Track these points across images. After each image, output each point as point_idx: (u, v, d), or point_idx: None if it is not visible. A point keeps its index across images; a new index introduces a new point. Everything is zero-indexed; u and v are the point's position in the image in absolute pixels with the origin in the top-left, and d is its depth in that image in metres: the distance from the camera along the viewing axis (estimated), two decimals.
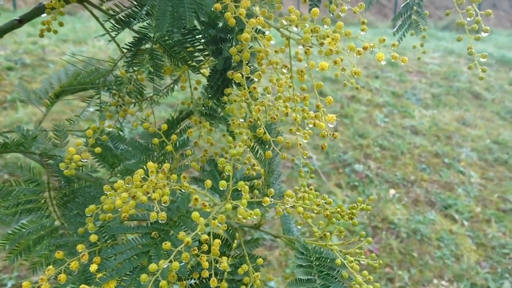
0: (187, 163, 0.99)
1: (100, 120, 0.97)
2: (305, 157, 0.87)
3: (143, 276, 0.66)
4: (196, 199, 0.75)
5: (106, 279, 0.76)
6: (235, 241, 0.95)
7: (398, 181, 4.98)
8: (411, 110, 6.41)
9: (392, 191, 4.84)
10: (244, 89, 0.78)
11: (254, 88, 0.77)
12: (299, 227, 0.98)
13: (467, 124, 6.30)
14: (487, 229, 4.46)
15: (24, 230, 1.08)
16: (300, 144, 0.91)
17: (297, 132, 0.86)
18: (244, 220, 0.84)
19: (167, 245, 0.68)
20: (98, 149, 0.99)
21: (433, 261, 4.00)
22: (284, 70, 0.82)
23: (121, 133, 1.16)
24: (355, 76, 0.73)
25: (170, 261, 0.66)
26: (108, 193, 0.76)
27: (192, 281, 0.93)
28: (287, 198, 0.82)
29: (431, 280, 3.81)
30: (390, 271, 3.92)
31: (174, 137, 0.96)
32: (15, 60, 5.86)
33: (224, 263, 0.77)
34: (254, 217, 0.70)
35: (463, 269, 3.92)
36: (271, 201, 0.78)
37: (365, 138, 5.61)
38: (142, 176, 0.77)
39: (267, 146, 0.91)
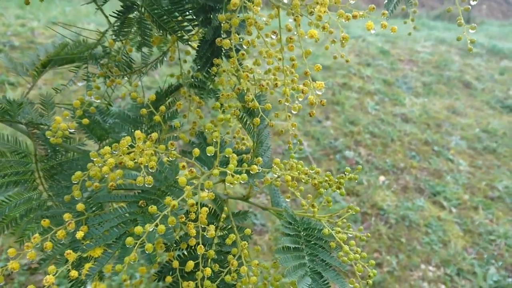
0: (175, 135, 0.98)
1: (87, 90, 0.95)
2: (293, 128, 0.87)
3: (129, 239, 0.65)
4: (183, 166, 0.74)
5: (92, 246, 0.75)
6: (223, 213, 0.96)
7: (388, 168, 5.02)
8: (402, 98, 6.44)
9: (382, 178, 4.88)
10: (233, 56, 0.77)
11: (243, 54, 0.77)
12: (287, 200, 0.98)
13: (457, 113, 6.35)
14: (474, 216, 4.53)
15: (11, 202, 1.07)
16: (289, 116, 0.91)
17: (285, 103, 0.86)
18: (232, 192, 0.84)
19: (153, 208, 0.68)
20: (85, 120, 0.98)
21: (421, 246, 4.06)
22: (273, 36, 0.81)
23: (109, 107, 1.15)
24: (344, 41, 0.72)
25: (156, 225, 0.66)
26: (94, 159, 0.76)
27: (181, 252, 0.93)
28: (275, 167, 0.82)
29: (418, 265, 3.86)
30: (378, 256, 3.97)
31: (162, 108, 0.95)
32: (3, 42, 5.76)
33: (212, 231, 0.77)
34: (241, 181, 0.69)
35: (450, 255, 3.98)
36: (258, 170, 0.78)
37: (356, 125, 5.64)
38: (129, 144, 0.77)
39: (256, 118, 0.90)
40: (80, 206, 0.84)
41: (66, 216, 0.84)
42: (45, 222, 0.82)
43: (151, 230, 0.65)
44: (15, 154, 1.03)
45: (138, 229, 0.65)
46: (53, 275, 0.71)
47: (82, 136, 1.10)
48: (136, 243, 0.65)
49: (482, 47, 8.98)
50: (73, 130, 0.92)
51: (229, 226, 0.94)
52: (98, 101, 1.01)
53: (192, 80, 1.03)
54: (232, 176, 0.70)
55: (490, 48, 8.97)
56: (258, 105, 0.80)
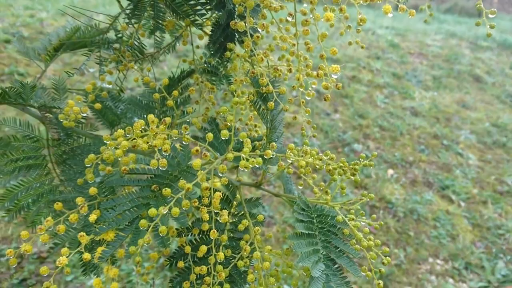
0: (188, 120, 0.97)
1: (100, 74, 0.95)
2: (307, 114, 0.86)
3: (142, 222, 0.65)
4: (197, 150, 0.74)
5: (105, 229, 0.75)
6: (235, 200, 0.95)
7: (397, 161, 4.99)
8: (412, 92, 6.38)
9: (390, 171, 4.85)
10: (247, 40, 0.76)
11: (258, 37, 0.75)
12: (300, 187, 0.97)
13: (467, 107, 6.28)
14: (483, 210, 4.49)
15: (23, 187, 1.07)
16: (303, 102, 0.90)
17: (299, 88, 0.85)
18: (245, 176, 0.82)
19: (167, 191, 0.67)
20: (98, 105, 0.97)
21: (429, 240, 4.04)
22: (289, 18, 0.80)
23: (121, 93, 1.15)
24: (361, 23, 0.71)
25: (170, 208, 0.65)
26: (108, 142, 0.75)
27: (192, 238, 0.93)
28: (289, 152, 0.81)
29: (426, 258, 3.85)
30: (385, 248, 3.96)
31: (175, 92, 0.95)
32: (12, 33, 5.78)
33: (225, 216, 0.77)
34: (256, 165, 0.68)
35: (459, 249, 3.96)
36: (273, 155, 0.77)
37: (364, 118, 5.60)
38: (143, 127, 0.76)
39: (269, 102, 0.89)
40: (92, 190, 0.83)
41: (79, 200, 0.84)
42: (58, 206, 0.82)
43: (164, 212, 0.65)
44: (27, 138, 1.03)
45: (152, 211, 0.64)
46: (66, 257, 0.71)
47: (94, 122, 1.09)
48: (150, 225, 0.65)
49: (493, 41, 8.85)
50: (86, 114, 0.91)
51: (241, 213, 0.93)
52: (110, 86, 1.00)
53: (205, 65, 1.02)
54: (247, 160, 0.70)
55: (501, 42, 8.84)
56: (273, 89, 0.78)
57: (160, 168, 0.72)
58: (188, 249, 0.86)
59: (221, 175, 0.71)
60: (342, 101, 5.87)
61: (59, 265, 0.69)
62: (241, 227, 0.85)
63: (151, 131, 0.73)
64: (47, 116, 0.92)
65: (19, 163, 1.04)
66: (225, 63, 1.00)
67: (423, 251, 3.91)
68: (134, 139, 0.73)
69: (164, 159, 0.71)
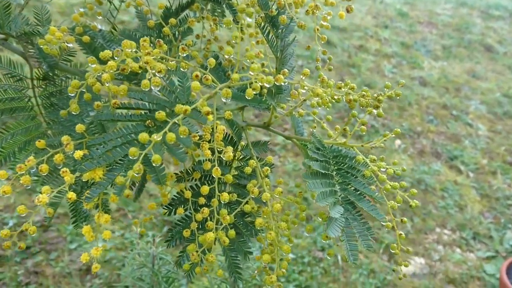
0: (187, 54, 0.86)
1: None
2: (322, 42, 0.75)
3: (132, 150, 0.55)
4: (196, 75, 0.63)
5: (92, 166, 0.65)
6: (242, 142, 0.85)
7: (405, 131, 4.87)
8: (420, 61, 6.20)
9: (398, 142, 4.74)
10: None
11: None
12: (313, 130, 0.87)
13: (477, 77, 6.10)
14: (492, 180, 4.40)
15: (7, 133, 0.98)
16: (317, 29, 0.79)
17: (315, 11, 0.73)
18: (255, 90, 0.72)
19: (161, 114, 0.57)
20: (86, 38, 0.86)
21: (437, 210, 3.96)
22: None
23: (113, 31, 1.03)
24: None
25: (165, 133, 0.55)
26: (93, 66, 0.64)
27: (193, 183, 0.83)
28: (302, 78, 0.71)
29: (433, 228, 3.78)
30: (393, 219, 3.89)
31: (173, 20, 0.83)
32: None
33: (229, 153, 0.67)
34: (266, 85, 0.58)
35: (466, 219, 3.88)
36: (285, 82, 0.66)
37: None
38: (134, 50, 0.65)
39: (279, 31, 0.78)
40: (79, 127, 0.73)
41: (65, 139, 0.74)
42: (40, 143, 0.72)
43: (158, 139, 0.55)
44: (8, 77, 0.93)
45: (142, 136, 0.54)
46: (47, 195, 0.62)
47: (83, 61, 0.98)
48: (141, 153, 0.55)
49: (505, 10, 8.56)
50: (71, 44, 0.80)
51: (248, 157, 0.83)
52: (100, 17, 0.89)
53: None
54: (255, 79, 0.59)
55: None
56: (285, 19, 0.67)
57: (153, 88, 0.61)
58: (188, 193, 0.76)
59: (224, 100, 0.61)
60: (349, 70, 5.71)
61: (38, 203, 0.60)
62: (248, 169, 0.75)
63: (142, 49, 0.62)
64: (27, 47, 0.81)
65: (1, 105, 0.94)
66: None
67: (430, 221, 3.84)
68: (124, 60, 0.63)
69: (157, 78, 0.60)
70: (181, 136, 0.56)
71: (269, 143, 0.85)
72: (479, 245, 3.66)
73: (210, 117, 0.60)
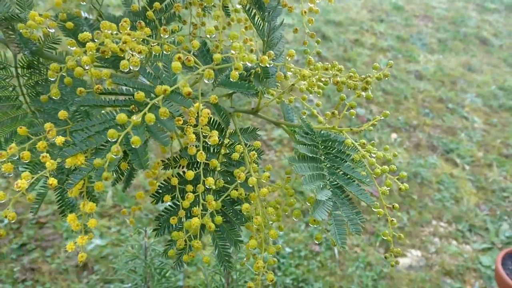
0: (173, 38, 0.85)
1: None
2: (310, 24, 0.73)
3: (111, 131, 0.53)
4: (179, 57, 0.61)
5: (73, 151, 0.64)
6: (229, 128, 0.83)
7: (401, 125, 4.87)
8: (416, 55, 6.19)
9: (394, 135, 4.74)
10: None
11: None
12: (303, 116, 0.86)
13: (473, 70, 6.10)
14: (488, 173, 4.40)
15: None
16: (305, 12, 0.77)
17: None
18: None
19: (139, 94, 0.55)
20: (69, 24, 0.84)
21: (433, 203, 3.96)
22: None
23: (100, 19, 1.01)
24: None
25: (145, 114, 0.53)
26: (73, 49, 0.63)
27: (181, 171, 0.82)
28: (288, 59, 0.69)
29: (429, 221, 3.78)
30: (389, 212, 3.89)
31: (157, 4, 0.81)
32: None
33: (214, 137, 0.65)
34: (248, 64, 0.56)
35: (462, 211, 3.89)
36: (270, 64, 0.65)
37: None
38: (115, 32, 0.63)
39: (266, 13, 0.76)
40: (62, 114, 0.72)
41: (47, 126, 0.72)
42: (22, 130, 0.71)
43: (137, 120, 0.53)
44: None
45: (121, 116, 0.53)
46: (27, 181, 0.60)
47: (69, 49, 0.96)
48: (120, 136, 0.53)
49: (500, 3, 8.56)
50: (53, 30, 0.79)
51: (236, 143, 0.82)
52: (84, 3, 0.87)
53: None
54: (239, 55, 0.57)
55: (509, 4, 8.55)
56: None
57: (131, 68, 0.60)
58: (174, 180, 0.75)
59: (207, 81, 0.59)
60: (345, 64, 5.69)
61: (17, 189, 0.58)
62: (235, 155, 0.74)
63: (122, 29, 0.60)
64: (8, 32, 0.79)
65: None
66: None
67: (427, 214, 3.84)
68: (103, 43, 0.61)
69: (136, 57, 0.59)
70: (162, 118, 0.55)
71: (265, 138, 0.84)
72: (475, 237, 3.67)
73: (197, 105, 0.58)
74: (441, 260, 3.36)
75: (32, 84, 0.95)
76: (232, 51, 0.58)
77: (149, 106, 0.55)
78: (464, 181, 4.27)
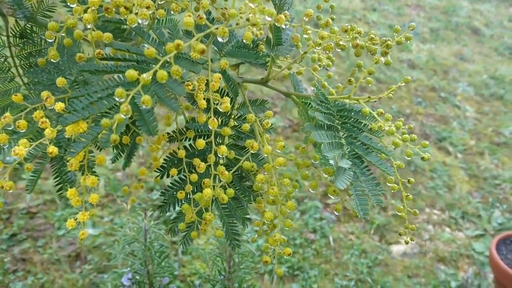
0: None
1: None
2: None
3: (119, 90, 0.49)
4: (189, 15, 0.57)
5: (74, 118, 0.59)
6: (238, 99, 0.79)
7: (394, 114, 4.86)
8: (409, 44, 6.18)
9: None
10: None
11: None
12: (312, 88, 0.82)
13: (465, 59, 6.12)
14: (480, 161, 4.43)
15: None
16: None
17: None
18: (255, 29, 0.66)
19: (150, 50, 0.51)
20: None
21: (426, 191, 3.98)
22: None
23: None
24: None
25: (155, 72, 0.49)
26: (73, 6, 0.58)
27: (187, 144, 0.77)
28: (306, 19, 0.65)
29: (423, 208, 3.79)
30: (383, 200, 3.89)
31: None
32: None
33: (226, 104, 0.61)
34: (268, 19, 0.52)
35: (455, 199, 3.91)
36: (286, 25, 0.61)
37: (360, 71, 5.42)
38: None
39: None
40: (60, 81, 0.67)
41: (44, 94, 0.67)
42: (17, 97, 0.65)
43: (147, 78, 0.48)
44: None
45: (130, 73, 0.48)
46: (25, 148, 0.55)
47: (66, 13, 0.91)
48: (128, 95, 0.49)
49: None
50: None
51: (245, 116, 0.78)
52: None
53: None
54: (257, 7, 0.53)
55: None
56: None
57: (141, 22, 0.55)
58: (181, 153, 0.71)
59: (221, 40, 0.55)
60: (338, 53, 5.66)
61: (14, 156, 0.53)
62: (246, 126, 0.70)
63: None
64: None
65: None
66: None
67: (420, 201, 3.85)
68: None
69: (145, 10, 0.54)
70: (174, 77, 0.50)
71: (267, 102, 0.79)
72: (468, 224, 3.69)
73: (203, 79, 0.54)
74: (434, 247, 3.37)
75: (25, 55, 0.89)
76: (247, 5, 0.54)
77: (160, 62, 0.50)
78: (457, 169, 4.30)
